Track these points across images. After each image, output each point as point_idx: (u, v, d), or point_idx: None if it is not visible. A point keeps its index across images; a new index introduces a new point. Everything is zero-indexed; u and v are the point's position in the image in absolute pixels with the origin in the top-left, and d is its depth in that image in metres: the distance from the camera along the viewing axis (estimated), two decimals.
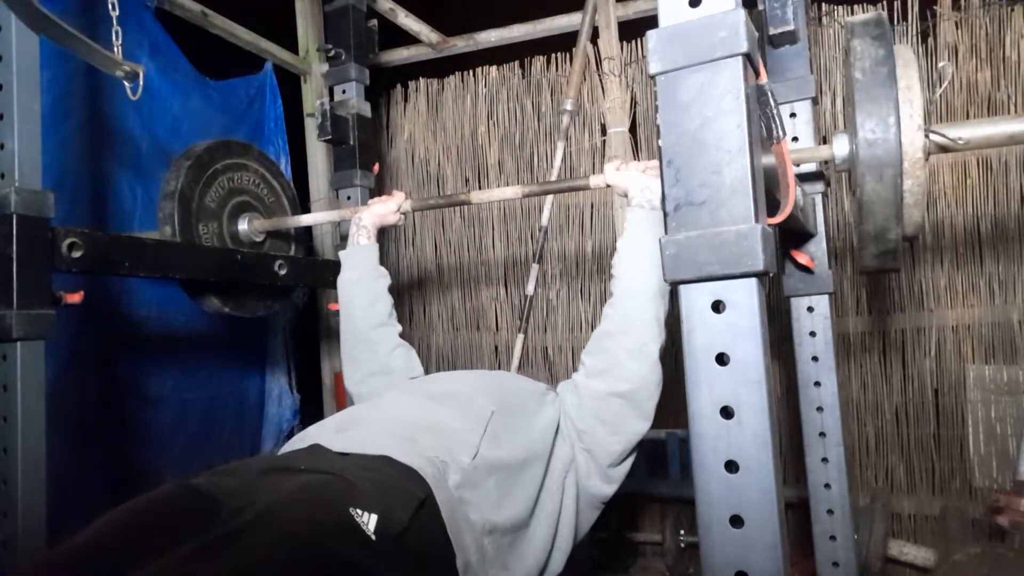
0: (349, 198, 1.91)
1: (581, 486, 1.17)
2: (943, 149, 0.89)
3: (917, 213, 0.88)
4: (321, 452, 0.99)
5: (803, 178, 1.38)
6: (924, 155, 0.83)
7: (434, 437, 1.02)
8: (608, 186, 1.30)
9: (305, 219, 1.73)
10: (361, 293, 1.47)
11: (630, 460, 1.20)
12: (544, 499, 1.11)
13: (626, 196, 1.26)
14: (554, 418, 1.20)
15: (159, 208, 1.53)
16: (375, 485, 0.88)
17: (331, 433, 1.05)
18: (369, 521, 0.81)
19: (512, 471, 1.06)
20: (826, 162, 1.57)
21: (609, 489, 1.19)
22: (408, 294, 2.90)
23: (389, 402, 1.20)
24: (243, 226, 1.70)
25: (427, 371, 1.47)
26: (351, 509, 0.82)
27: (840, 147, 0.95)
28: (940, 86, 1.54)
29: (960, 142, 0.87)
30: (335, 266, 1.55)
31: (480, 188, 2.77)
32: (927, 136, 0.85)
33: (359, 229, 1.52)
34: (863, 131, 0.84)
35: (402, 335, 1.49)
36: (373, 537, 0.80)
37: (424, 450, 0.98)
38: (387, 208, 1.53)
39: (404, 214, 1.56)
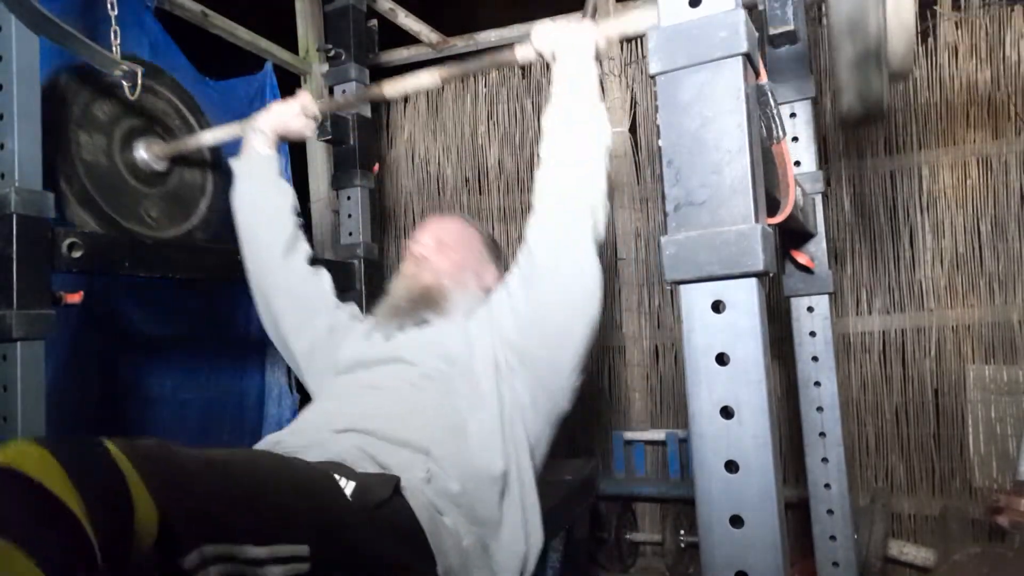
0: (349, 198, 1.91)
1: (530, 429, 1.08)
2: None
3: (907, 8, 0.72)
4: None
5: (803, 178, 1.38)
6: None
7: (391, 456, 0.99)
8: (539, 55, 1.10)
9: (206, 136, 1.52)
10: (261, 211, 1.29)
11: (578, 376, 1.09)
12: (511, 477, 1.03)
13: (554, 60, 1.08)
14: (490, 362, 1.08)
15: None
16: (352, 469, 0.90)
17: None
18: (347, 487, 0.83)
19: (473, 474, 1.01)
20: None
21: (562, 405, 1.10)
22: None
23: (330, 410, 1.11)
24: (140, 151, 1.47)
25: None
26: (332, 473, 0.85)
27: None
28: None
29: None
30: (334, 265, 1.55)
31: (481, 189, 2.78)
32: None
33: (255, 134, 1.31)
34: None
35: (311, 258, 1.33)
36: (350, 499, 0.82)
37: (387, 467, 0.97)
38: (289, 109, 1.31)
39: (315, 120, 1.35)
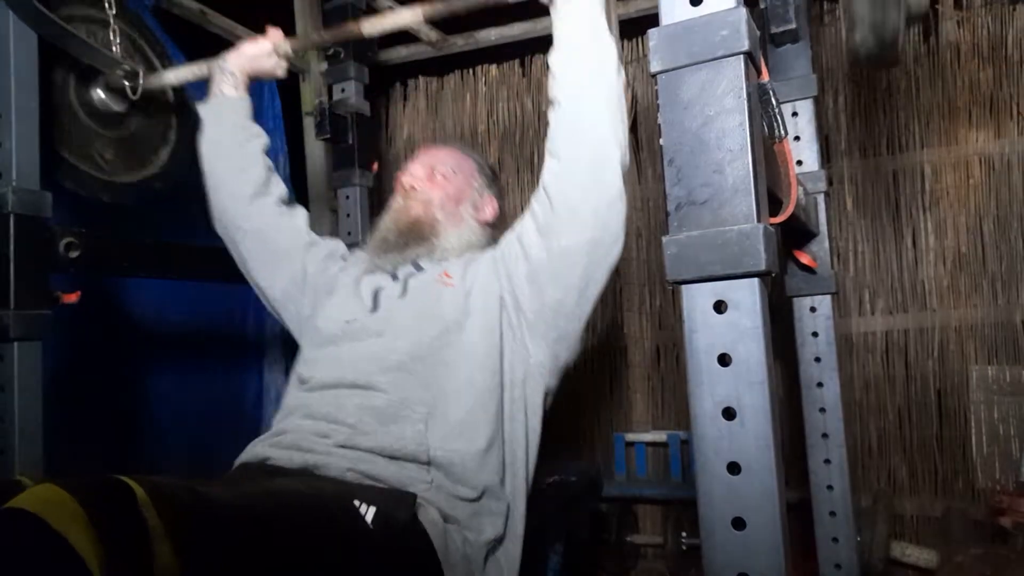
0: (348, 197, 1.91)
1: (546, 383, 1.05)
2: None
3: None
4: (305, 470, 0.97)
5: (805, 177, 1.37)
6: None
7: (390, 472, 0.96)
8: None
9: (168, 76, 1.43)
10: (228, 156, 1.22)
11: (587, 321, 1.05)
12: (509, 438, 1.01)
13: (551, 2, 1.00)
14: (493, 320, 1.03)
15: None
16: (371, 488, 0.89)
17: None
18: (367, 513, 0.82)
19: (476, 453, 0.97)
20: None
21: (574, 352, 1.06)
22: None
23: (316, 414, 1.03)
24: (97, 90, 1.39)
25: None
26: (352, 500, 0.83)
27: None
28: None
29: None
30: None
31: None
32: None
33: (223, 75, 1.24)
34: None
35: (285, 199, 1.26)
36: (371, 527, 0.81)
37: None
38: (260, 49, 1.24)
39: (287, 59, 1.28)
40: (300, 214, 1.27)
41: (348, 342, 1.09)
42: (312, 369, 1.11)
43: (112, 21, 1.37)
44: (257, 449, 1.04)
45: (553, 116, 1.00)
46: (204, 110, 1.27)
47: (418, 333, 1.04)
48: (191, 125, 1.50)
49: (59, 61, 1.33)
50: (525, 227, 1.05)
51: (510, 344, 1.03)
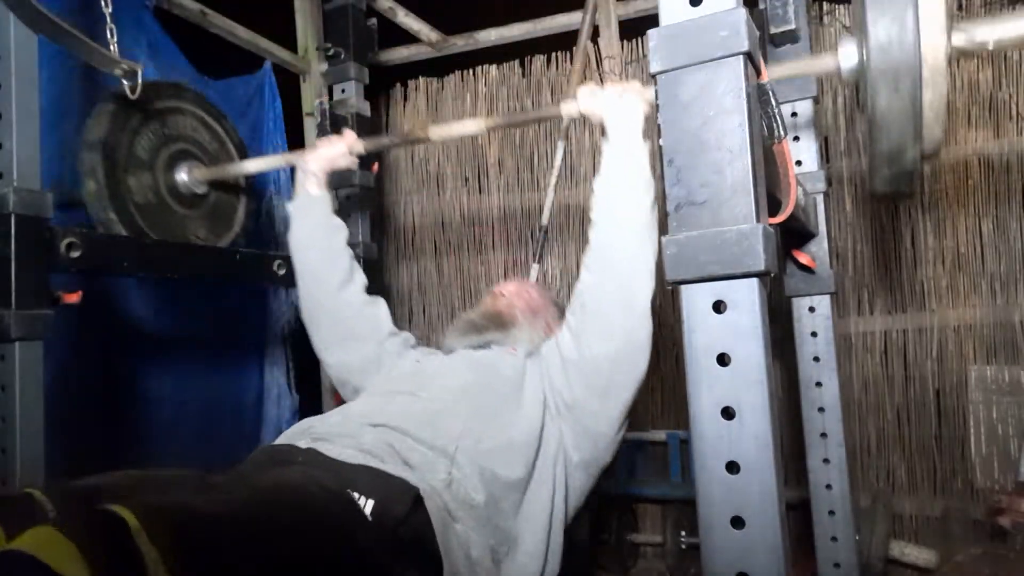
0: (348, 198, 1.91)
1: (569, 472, 1.13)
2: (965, 54, 0.77)
3: (938, 129, 0.76)
4: (314, 453, 1.00)
5: (804, 177, 1.38)
6: (947, 61, 0.73)
7: (416, 454, 1.02)
8: (581, 115, 1.15)
9: (249, 165, 1.57)
10: (317, 250, 1.36)
11: (625, 425, 1.14)
12: (533, 496, 1.08)
13: (603, 128, 1.12)
14: (539, 397, 1.14)
15: (80, 161, 1.35)
16: (373, 476, 0.90)
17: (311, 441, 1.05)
18: (366, 505, 0.84)
19: (497, 486, 1.04)
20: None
21: (605, 458, 1.14)
22: (408, 294, 2.90)
23: (370, 406, 1.15)
24: (182, 176, 1.52)
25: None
26: (348, 490, 0.85)
27: (847, 56, 0.80)
28: None
29: (990, 46, 0.75)
30: None
31: (481, 189, 2.77)
32: (950, 37, 0.73)
33: (306, 176, 1.37)
34: (875, 32, 0.71)
35: (367, 286, 1.39)
36: (369, 519, 0.83)
37: (408, 473, 0.98)
38: (336, 150, 1.36)
39: (359, 156, 1.42)
40: (381, 304, 1.40)
41: (411, 377, 1.24)
42: (373, 392, 1.26)
43: (109, 19, 1.37)
44: (306, 420, 1.14)
45: (591, 234, 1.10)
46: (292, 208, 1.40)
47: (475, 375, 1.19)
48: (256, 179, 1.73)
49: (140, 165, 1.45)
50: (562, 332, 1.17)
51: (549, 425, 1.13)
